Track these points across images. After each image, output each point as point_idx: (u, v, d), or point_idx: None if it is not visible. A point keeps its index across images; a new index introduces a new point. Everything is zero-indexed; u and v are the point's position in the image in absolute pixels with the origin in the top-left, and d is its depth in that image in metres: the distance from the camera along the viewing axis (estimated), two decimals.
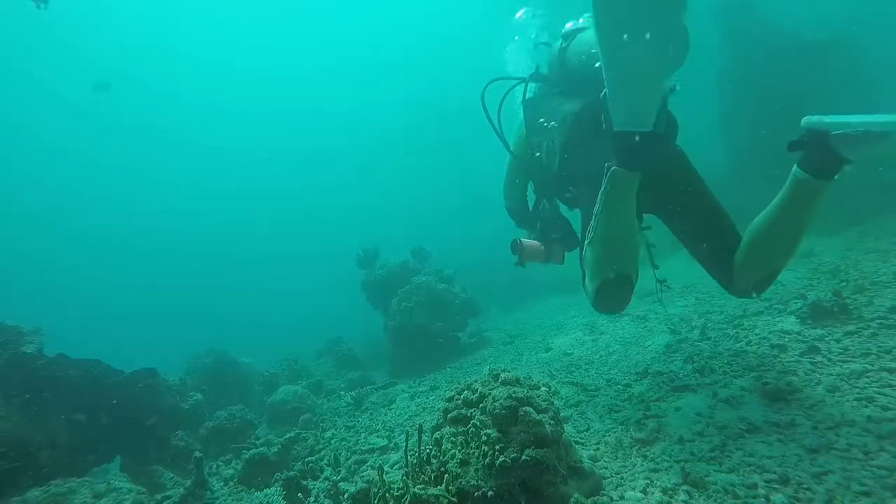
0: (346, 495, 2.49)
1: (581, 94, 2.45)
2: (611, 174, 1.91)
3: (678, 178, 2.32)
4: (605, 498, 2.01)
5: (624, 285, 2.15)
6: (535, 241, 3.06)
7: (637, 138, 1.76)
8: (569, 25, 2.70)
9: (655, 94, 1.71)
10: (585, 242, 2.18)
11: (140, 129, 33.50)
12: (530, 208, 3.22)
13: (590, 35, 2.48)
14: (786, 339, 3.16)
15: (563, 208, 3.12)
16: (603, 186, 1.97)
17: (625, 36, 1.58)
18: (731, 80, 8.29)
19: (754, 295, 2.30)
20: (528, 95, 2.95)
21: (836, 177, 1.82)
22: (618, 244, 2.08)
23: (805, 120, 1.85)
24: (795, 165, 1.89)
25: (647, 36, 1.57)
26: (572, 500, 1.87)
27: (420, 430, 2.09)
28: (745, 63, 8.02)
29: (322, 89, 34.13)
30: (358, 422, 4.55)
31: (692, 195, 2.32)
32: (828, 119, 1.77)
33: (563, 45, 2.64)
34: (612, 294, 2.20)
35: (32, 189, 33.39)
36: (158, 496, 3.34)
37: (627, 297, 2.26)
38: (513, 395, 1.94)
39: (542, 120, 2.74)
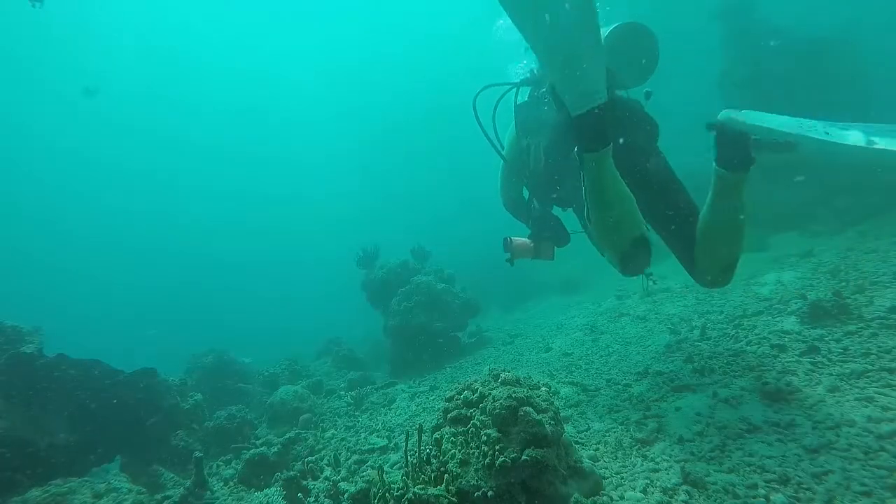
0: (346, 495, 2.49)
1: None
2: (584, 162, 1.97)
3: (660, 177, 2.44)
4: (605, 498, 2.01)
5: (641, 247, 2.24)
6: (525, 239, 3.22)
7: (597, 111, 1.80)
8: None
9: (599, 60, 1.76)
10: (589, 226, 2.27)
11: (141, 131, 33.54)
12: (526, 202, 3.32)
13: None
14: (786, 339, 3.16)
15: (555, 208, 3.21)
16: (582, 177, 2.04)
17: (546, 17, 1.61)
18: (731, 81, 8.29)
19: (718, 286, 2.43)
20: (520, 99, 3.07)
21: (751, 168, 1.91)
22: (617, 217, 2.13)
23: (723, 114, 1.93)
24: (714, 163, 2.00)
25: (567, 6, 1.60)
26: (572, 500, 1.87)
27: (420, 430, 2.09)
28: (745, 64, 8.02)
29: (322, 92, 34.20)
30: (358, 422, 4.55)
31: (672, 193, 2.41)
32: (743, 119, 1.86)
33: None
34: (635, 258, 2.30)
35: (34, 190, 33.41)
36: (158, 496, 3.34)
37: (648, 254, 2.32)
38: (513, 395, 1.94)
39: (544, 90, 2.84)
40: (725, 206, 2.04)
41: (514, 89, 3.15)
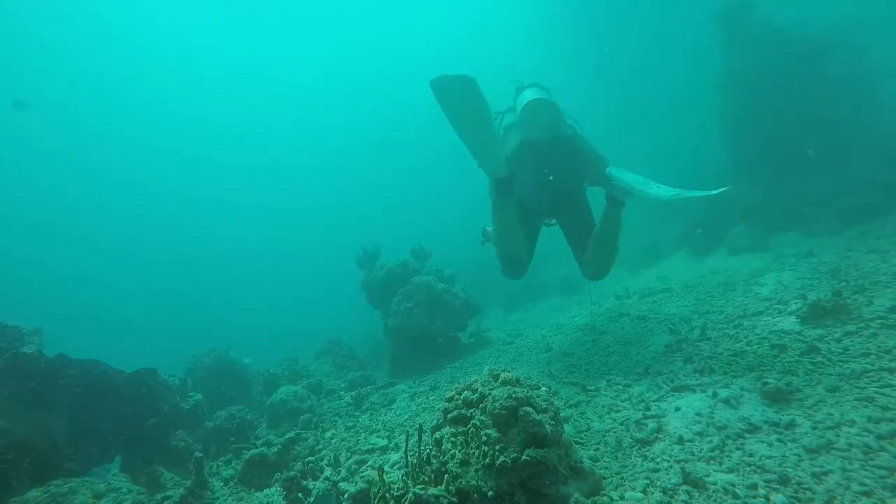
0: (346, 495, 2.50)
1: (519, 133, 3.82)
2: (494, 205, 3.41)
3: (578, 199, 3.82)
4: (605, 498, 2.01)
5: (515, 262, 3.66)
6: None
7: (502, 179, 3.33)
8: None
9: (496, 153, 3.26)
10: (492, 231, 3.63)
11: (145, 137, 33.78)
12: None
13: (525, 93, 3.81)
14: (786, 339, 3.16)
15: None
16: (492, 212, 3.46)
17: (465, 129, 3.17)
18: (731, 82, 8.28)
19: (594, 280, 3.75)
20: (505, 123, 4.12)
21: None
22: (506, 238, 3.53)
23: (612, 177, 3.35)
24: (607, 204, 3.41)
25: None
26: (572, 500, 1.87)
27: (420, 430, 2.09)
28: (745, 66, 8.01)
29: (325, 96, 34.42)
30: (358, 422, 4.55)
31: (581, 215, 3.79)
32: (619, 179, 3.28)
33: (515, 94, 3.97)
34: (509, 266, 3.70)
35: (37, 192, 33.46)
36: (158, 496, 3.34)
37: (521, 269, 3.74)
38: (513, 395, 1.94)
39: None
40: (607, 233, 3.42)
41: (501, 116, 4.18)
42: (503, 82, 4.16)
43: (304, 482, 3.16)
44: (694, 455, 2.23)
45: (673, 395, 2.93)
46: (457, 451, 1.90)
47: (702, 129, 9.21)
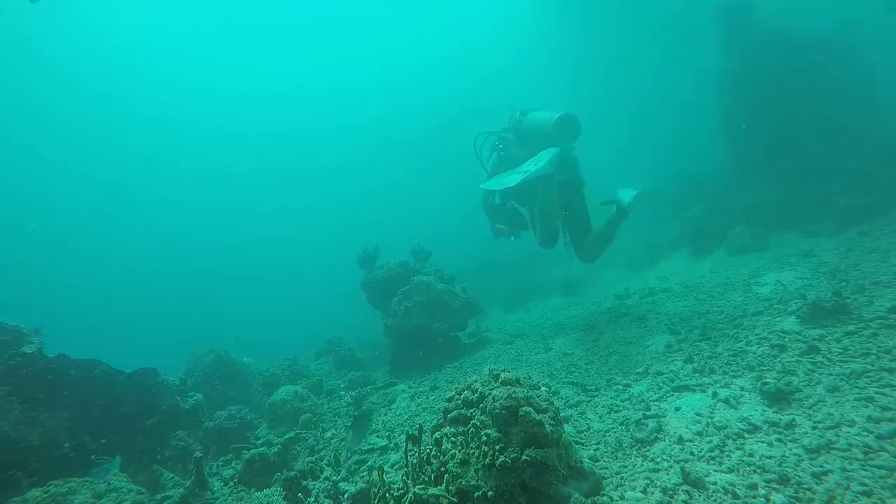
0: (346, 495, 2.50)
1: (528, 146, 4.78)
2: (547, 188, 4.40)
3: (576, 200, 4.80)
4: (605, 498, 2.01)
5: (555, 233, 4.65)
6: (503, 226, 5.39)
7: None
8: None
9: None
10: (537, 217, 4.59)
11: (148, 146, 34.01)
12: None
13: (536, 114, 4.91)
14: (786, 339, 3.16)
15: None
16: (542, 195, 4.43)
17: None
18: (732, 82, 8.27)
19: (587, 262, 4.91)
20: (500, 139, 5.25)
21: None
22: (550, 220, 4.56)
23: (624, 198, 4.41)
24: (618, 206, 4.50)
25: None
26: (572, 500, 1.87)
27: (420, 431, 2.09)
28: (745, 66, 8.01)
29: (325, 101, 34.65)
30: None
31: (580, 209, 4.80)
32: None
33: (520, 116, 5.06)
34: (551, 238, 4.62)
35: (38, 194, 33.55)
36: (158, 496, 3.34)
37: (556, 239, 4.70)
38: (513, 395, 1.94)
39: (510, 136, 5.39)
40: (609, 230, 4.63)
41: (498, 134, 5.25)
42: (502, 94, 4.77)
43: (304, 482, 3.16)
44: (694, 455, 2.23)
45: (673, 395, 2.93)
46: (457, 451, 1.90)
47: (702, 129, 9.21)
